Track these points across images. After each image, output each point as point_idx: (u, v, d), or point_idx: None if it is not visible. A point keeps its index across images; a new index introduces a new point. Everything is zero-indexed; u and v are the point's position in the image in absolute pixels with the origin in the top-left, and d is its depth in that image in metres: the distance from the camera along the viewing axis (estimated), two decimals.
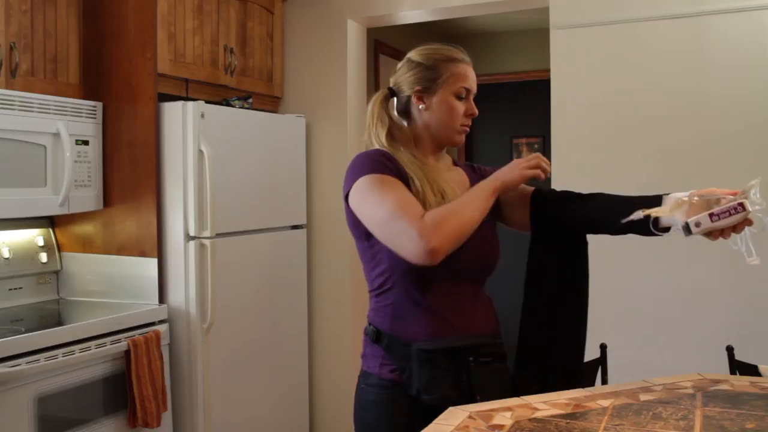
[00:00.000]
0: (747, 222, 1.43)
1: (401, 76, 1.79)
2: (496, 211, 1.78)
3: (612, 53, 3.13)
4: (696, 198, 1.46)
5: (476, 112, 1.77)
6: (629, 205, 1.56)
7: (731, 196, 1.43)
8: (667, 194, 1.54)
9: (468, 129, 1.77)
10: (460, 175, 1.81)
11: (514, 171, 1.66)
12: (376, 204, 1.59)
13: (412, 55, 1.79)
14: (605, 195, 1.69)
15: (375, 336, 1.70)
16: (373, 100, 1.79)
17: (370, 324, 1.74)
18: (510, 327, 1.99)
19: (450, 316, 1.67)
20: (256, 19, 3.51)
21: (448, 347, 1.63)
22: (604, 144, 3.13)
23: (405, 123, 1.78)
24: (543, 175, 1.67)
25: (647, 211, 1.49)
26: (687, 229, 1.45)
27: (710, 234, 1.46)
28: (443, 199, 1.65)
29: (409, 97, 1.76)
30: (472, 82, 1.76)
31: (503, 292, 3.08)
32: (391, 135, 1.73)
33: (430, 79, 1.73)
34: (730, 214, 1.41)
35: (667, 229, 1.52)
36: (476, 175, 1.82)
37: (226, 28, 3.29)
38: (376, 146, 1.72)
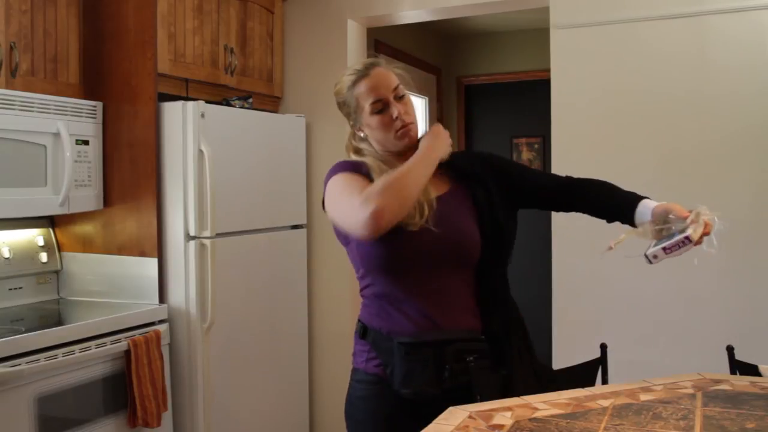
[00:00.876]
0: (705, 233, 1.59)
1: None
2: (528, 200, 1.83)
3: (612, 53, 3.13)
4: (655, 228, 1.64)
5: (401, 112, 1.70)
6: (614, 208, 1.76)
7: (683, 222, 1.60)
8: (645, 198, 1.72)
9: (408, 129, 1.72)
10: (437, 179, 1.78)
11: (444, 144, 1.74)
12: (333, 195, 1.69)
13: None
14: (597, 198, 1.81)
15: (362, 332, 1.75)
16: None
17: (359, 321, 1.78)
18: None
19: (432, 312, 1.68)
20: (256, 18, 3.51)
21: (428, 341, 1.65)
22: (604, 144, 3.13)
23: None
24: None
25: (615, 242, 1.65)
26: (648, 260, 1.63)
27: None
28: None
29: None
30: (381, 90, 1.71)
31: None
32: (357, 152, 1.80)
33: (349, 113, 1.77)
34: (680, 247, 1.58)
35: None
36: (447, 171, 1.80)
37: (227, 28, 3.29)
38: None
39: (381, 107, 1.71)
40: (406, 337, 1.65)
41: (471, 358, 1.64)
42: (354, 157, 1.80)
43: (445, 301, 1.70)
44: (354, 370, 1.78)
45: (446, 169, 1.78)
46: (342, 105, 1.79)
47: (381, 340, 1.70)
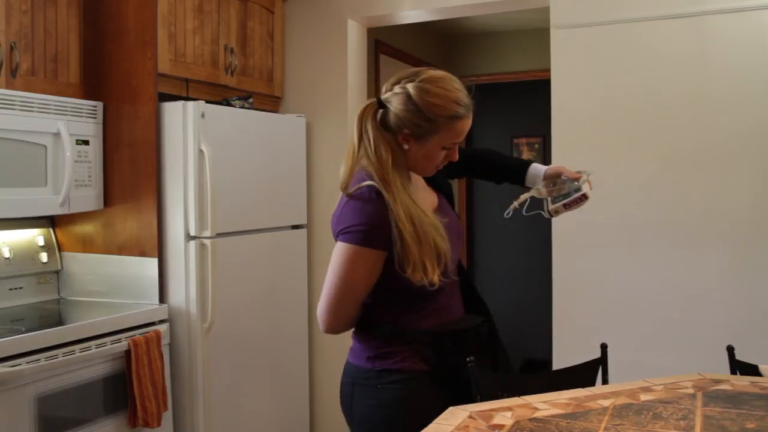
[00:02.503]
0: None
1: (396, 103, 1.64)
2: (454, 173, 1.94)
3: (612, 53, 3.13)
4: (550, 188, 1.91)
5: (456, 159, 1.73)
6: (505, 171, 2.03)
7: (576, 182, 1.89)
8: (532, 163, 2.01)
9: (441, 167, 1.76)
10: (429, 193, 1.81)
11: None
12: (331, 268, 1.76)
13: (415, 93, 1.62)
14: (491, 164, 2.06)
15: (392, 333, 1.70)
16: (364, 115, 1.66)
17: (381, 324, 1.72)
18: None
19: (451, 303, 1.77)
20: (256, 18, 3.51)
21: (470, 327, 1.74)
22: (605, 144, 3.13)
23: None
24: None
25: (518, 202, 1.90)
26: (549, 215, 1.91)
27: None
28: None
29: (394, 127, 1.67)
30: (463, 135, 1.70)
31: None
32: (395, 163, 1.64)
33: (424, 128, 1.63)
34: (578, 202, 1.89)
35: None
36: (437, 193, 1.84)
37: (227, 28, 3.29)
38: (376, 176, 1.63)
39: (450, 147, 1.69)
40: (451, 324, 1.71)
41: (471, 358, 1.65)
42: (388, 167, 1.63)
43: (454, 294, 1.78)
44: (381, 373, 1.70)
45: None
46: (420, 114, 1.62)
47: (417, 335, 1.69)
